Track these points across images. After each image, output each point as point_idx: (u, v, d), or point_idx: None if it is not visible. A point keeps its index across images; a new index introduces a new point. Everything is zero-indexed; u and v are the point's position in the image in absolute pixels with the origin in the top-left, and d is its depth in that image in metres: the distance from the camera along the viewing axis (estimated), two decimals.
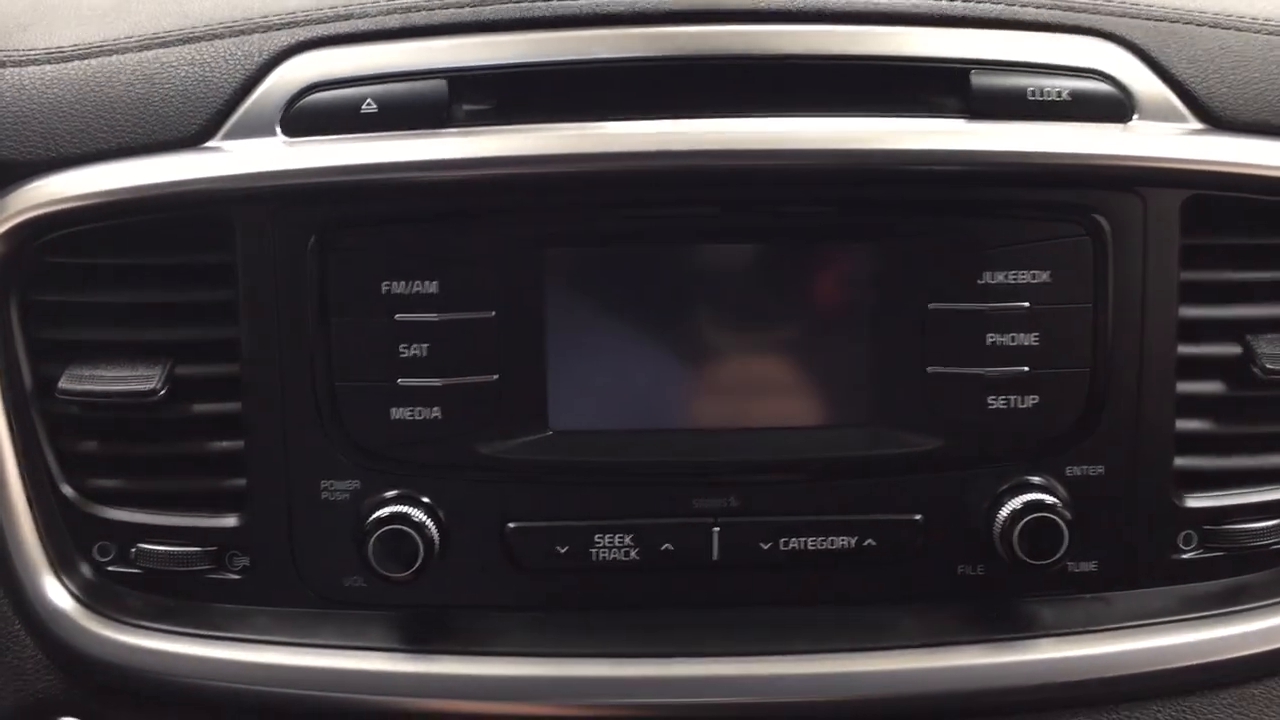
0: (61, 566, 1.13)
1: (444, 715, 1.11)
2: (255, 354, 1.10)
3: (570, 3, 1.11)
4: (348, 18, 1.12)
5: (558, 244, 1.09)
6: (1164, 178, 1.09)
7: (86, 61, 1.13)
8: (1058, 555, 1.07)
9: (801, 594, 1.14)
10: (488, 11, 1.11)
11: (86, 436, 1.14)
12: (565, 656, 1.11)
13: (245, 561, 1.13)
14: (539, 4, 1.11)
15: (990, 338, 1.09)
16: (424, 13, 1.12)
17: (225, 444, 1.12)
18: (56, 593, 1.12)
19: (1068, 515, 1.08)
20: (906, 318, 1.09)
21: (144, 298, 1.11)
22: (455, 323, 1.08)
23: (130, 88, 1.11)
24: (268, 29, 1.12)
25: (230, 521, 1.13)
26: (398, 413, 1.09)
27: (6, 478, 1.12)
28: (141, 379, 1.09)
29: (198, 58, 1.11)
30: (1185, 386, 1.12)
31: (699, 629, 1.12)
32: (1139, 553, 1.14)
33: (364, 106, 1.08)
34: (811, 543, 1.11)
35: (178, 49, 1.12)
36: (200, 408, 1.12)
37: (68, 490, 1.14)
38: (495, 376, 1.09)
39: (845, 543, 1.11)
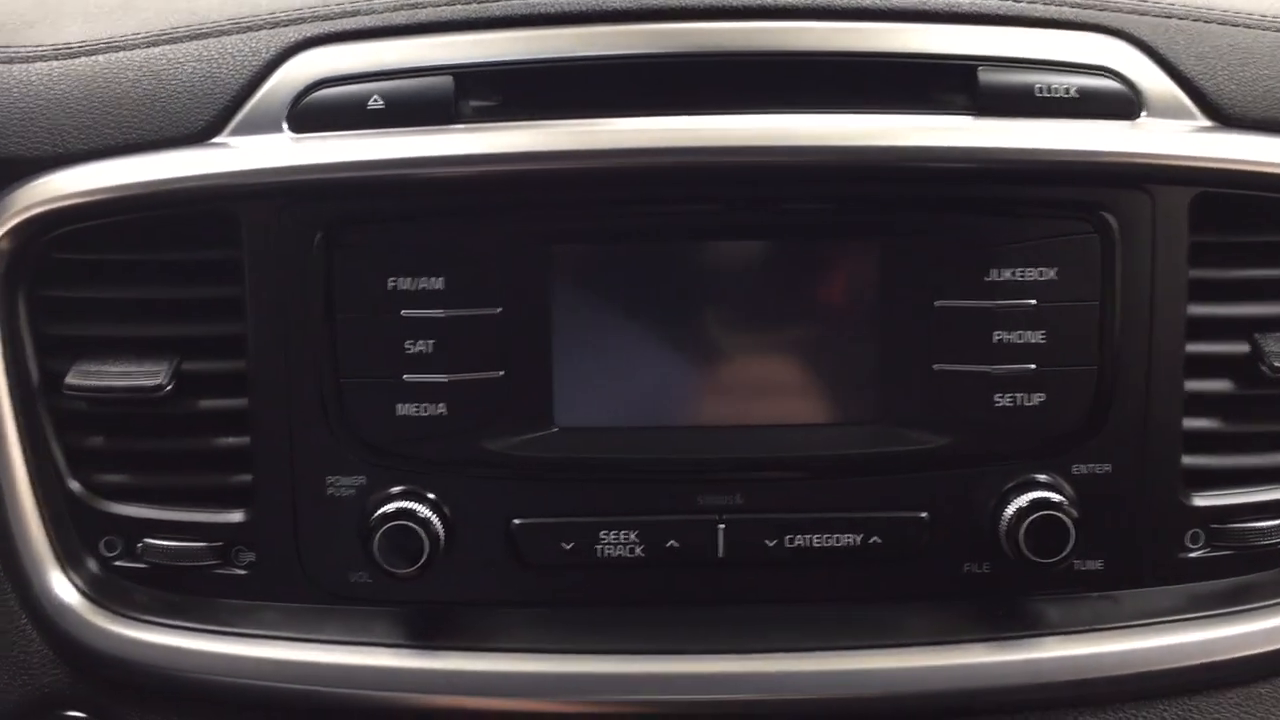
0: (68, 561, 1.14)
1: (449, 711, 1.11)
2: (261, 350, 1.10)
3: None
4: (354, 14, 1.12)
5: (564, 240, 1.09)
6: (1172, 175, 1.08)
7: (93, 58, 1.13)
8: (1064, 553, 1.07)
9: (807, 591, 1.14)
10: (494, 8, 1.11)
11: (93, 432, 1.14)
12: (570, 653, 1.11)
13: (251, 557, 1.13)
14: (545, 0, 1.11)
15: (997, 335, 1.08)
16: (430, 9, 1.12)
17: (231, 440, 1.12)
18: (63, 587, 1.13)
19: (1074, 513, 1.07)
20: (913, 315, 1.09)
21: (151, 294, 1.12)
22: (461, 319, 1.08)
23: (137, 84, 1.11)
24: (275, 25, 1.12)
25: (236, 517, 1.13)
26: (403, 409, 1.09)
27: (14, 473, 1.12)
28: (148, 374, 1.09)
29: (204, 54, 1.11)
30: (1193, 385, 1.12)
31: (704, 626, 1.12)
32: (1145, 551, 1.13)
33: (370, 103, 1.08)
34: (817, 540, 1.11)
35: (185, 45, 1.12)
36: (206, 403, 1.12)
37: (75, 485, 1.14)
38: (501, 373, 1.09)
39: (851, 540, 1.11)
